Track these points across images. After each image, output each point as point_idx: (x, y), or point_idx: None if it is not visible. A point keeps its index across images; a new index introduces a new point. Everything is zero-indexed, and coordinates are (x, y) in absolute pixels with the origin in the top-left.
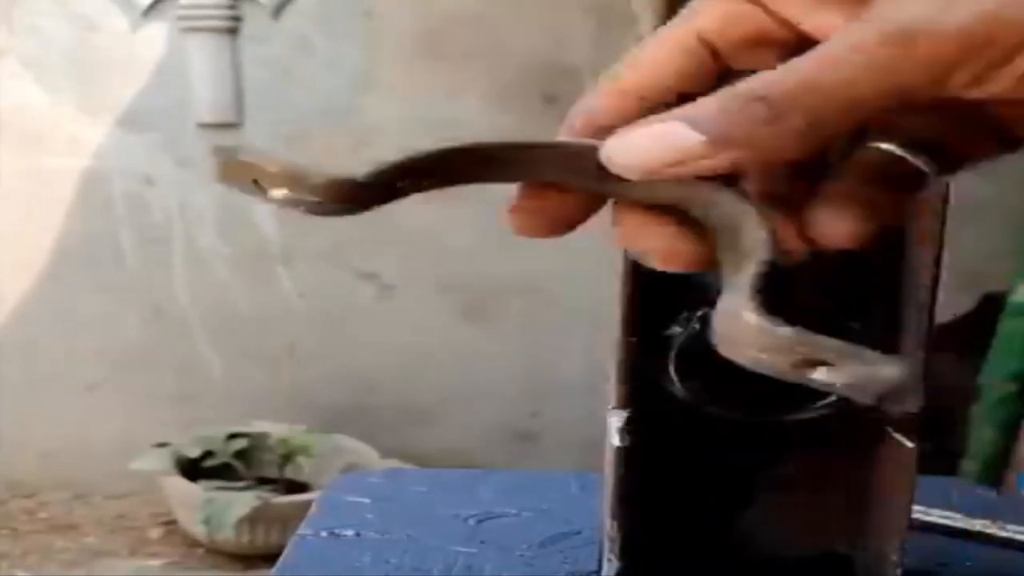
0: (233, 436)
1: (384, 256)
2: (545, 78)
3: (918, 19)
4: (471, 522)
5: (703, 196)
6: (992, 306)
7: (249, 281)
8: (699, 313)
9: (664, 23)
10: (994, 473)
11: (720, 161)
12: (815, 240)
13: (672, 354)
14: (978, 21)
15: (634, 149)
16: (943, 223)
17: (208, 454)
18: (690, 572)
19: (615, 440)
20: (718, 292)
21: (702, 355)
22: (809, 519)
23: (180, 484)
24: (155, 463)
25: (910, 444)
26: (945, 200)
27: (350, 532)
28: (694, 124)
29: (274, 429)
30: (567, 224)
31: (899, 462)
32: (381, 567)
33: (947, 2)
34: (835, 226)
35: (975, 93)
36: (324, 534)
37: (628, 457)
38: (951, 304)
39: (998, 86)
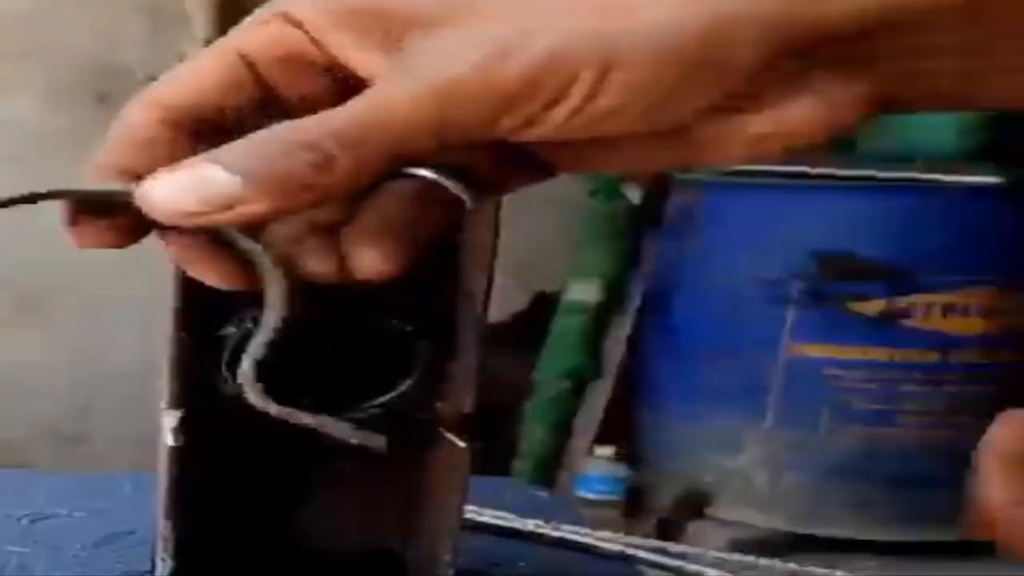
0: None
1: None
2: (98, 78)
3: (459, 77)
4: (24, 522)
5: (231, 236)
6: (545, 304)
7: None
8: (253, 315)
9: (216, 25)
10: (546, 473)
11: (261, 208)
12: (352, 273)
13: (226, 354)
14: (517, 77)
15: (167, 195)
16: (497, 216)
17: None
18: (245, 570)
19: (168, 440)
20: None
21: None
22: (363, 517)
23: None
24: None
25: (462, 444)
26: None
27: None
28: (232, 168)
29: None
30: (131, 235)
31: (451, 462)
32: None
33: (495, 59)
34: (369, 260)
35: (520, 137)
36: None
37: (181, 456)
38: (506, 300)
39: (538, 132)
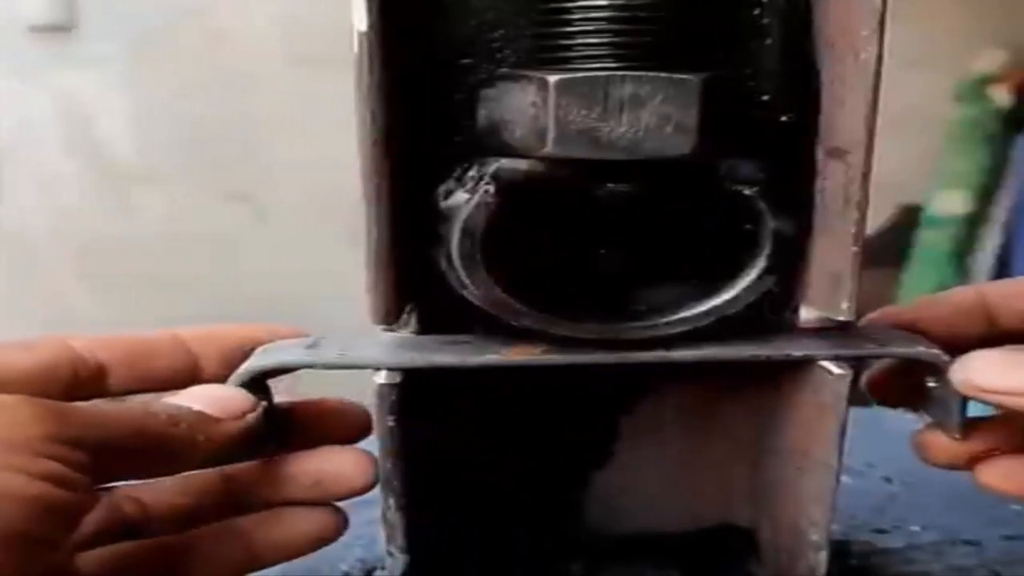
0: None
1: None
2: None
3: None
4: None
5: None
6: (910, 217)
7: None
8: (490, 168)
9: None
10: None
11: None
12: None
13: (455, 233)
14: None
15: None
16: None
17: None
18: (519, 564)
19: (379, 376)
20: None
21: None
22: (690, 482)
23: None
24: None
25: (838, 370)
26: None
27: None
28: None
29: None
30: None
31: (821, 396)
32: None
33: None
34: None
35: None
36: None
37: (405, 403)
38: (869, 213)
39: None
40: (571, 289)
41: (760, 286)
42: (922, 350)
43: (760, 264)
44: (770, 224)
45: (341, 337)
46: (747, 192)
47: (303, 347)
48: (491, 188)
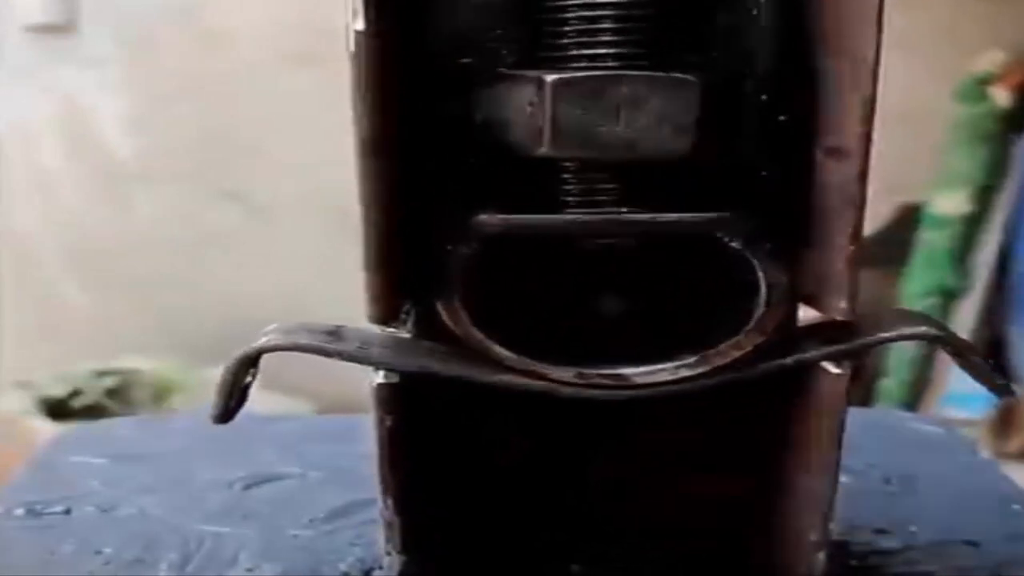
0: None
1: None
2: None
3: None
4: (236, 488)
5: None
6: (911, 216)
7: None
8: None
9: None
10: (914, 393)
11: None
12: None
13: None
14: None
15: None
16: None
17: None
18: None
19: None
20: None
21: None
22: (685, 495)
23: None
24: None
25: (837, 370)
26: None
27: (58, 508)
28: None
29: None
30: None
31: (820, 397)
32: (87, 560)
33: None
34: None
35: None
36: (20, 512)
37: (399, 402)
38: (869, 213)
39: None
40: (567, 336)
41: (754, 338)
42: (924, 329)
43: (755, 318)
44: (764, 280)
45: (360, 332)
46: (737, 246)
47: (324, 332)
48: (473, 240)
